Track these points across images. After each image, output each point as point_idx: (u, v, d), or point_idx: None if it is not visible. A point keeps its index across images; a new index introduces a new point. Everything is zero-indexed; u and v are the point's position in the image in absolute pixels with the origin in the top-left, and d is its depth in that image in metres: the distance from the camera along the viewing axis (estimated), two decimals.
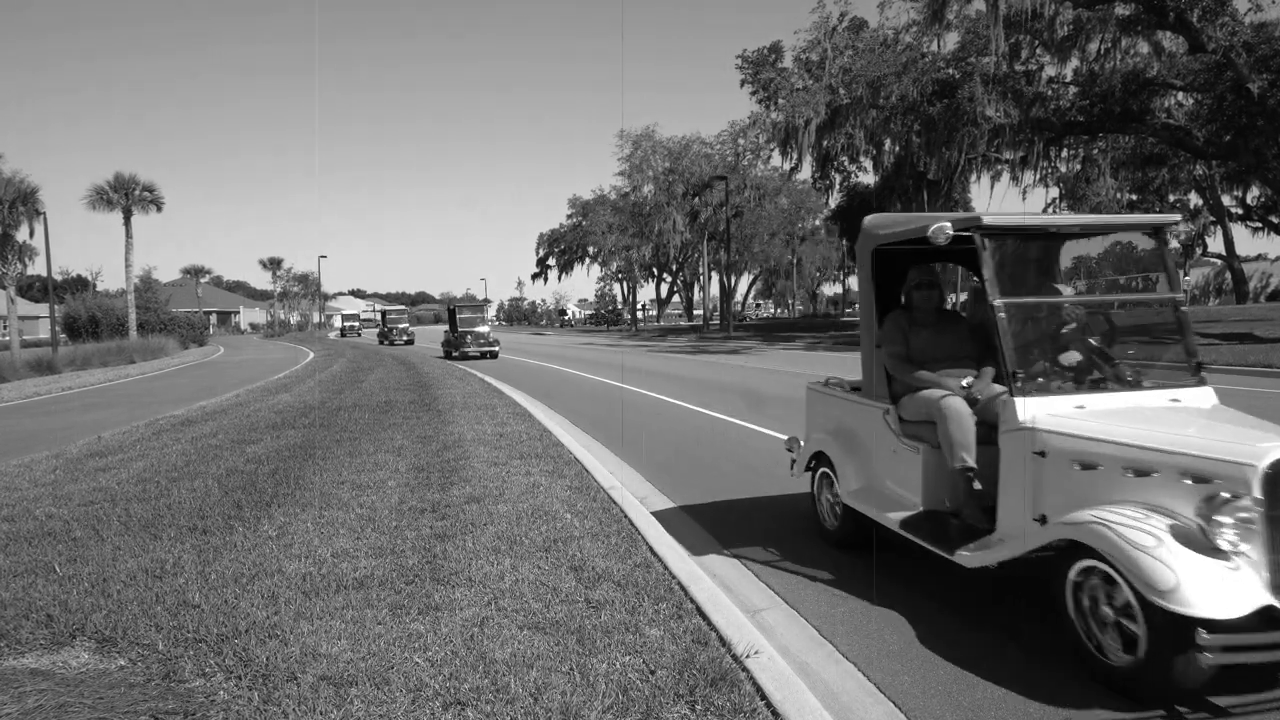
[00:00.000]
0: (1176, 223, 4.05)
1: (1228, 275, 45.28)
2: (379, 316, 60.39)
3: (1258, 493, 2.78)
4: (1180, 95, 25.28)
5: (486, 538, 4.79)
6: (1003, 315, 3.61)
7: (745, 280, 69.26)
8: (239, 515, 5.48)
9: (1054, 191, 40.09)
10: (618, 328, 66.80)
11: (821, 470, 5.07)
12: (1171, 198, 42.99)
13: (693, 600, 3.77)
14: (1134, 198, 41.86)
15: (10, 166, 44.58)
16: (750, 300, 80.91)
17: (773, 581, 4.41)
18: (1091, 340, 3.97)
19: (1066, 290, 4.24)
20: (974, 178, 31.23)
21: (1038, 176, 30.25)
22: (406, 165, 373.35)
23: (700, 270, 57.28)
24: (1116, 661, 2.98)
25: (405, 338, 44.91)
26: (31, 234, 36.70)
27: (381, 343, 45.38)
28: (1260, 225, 42.10)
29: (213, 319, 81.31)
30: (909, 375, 4.41)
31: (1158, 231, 4.04)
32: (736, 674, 3.00)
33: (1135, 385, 3.79)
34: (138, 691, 2.97)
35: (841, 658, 3.46)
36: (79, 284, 74.97)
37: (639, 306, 74.89)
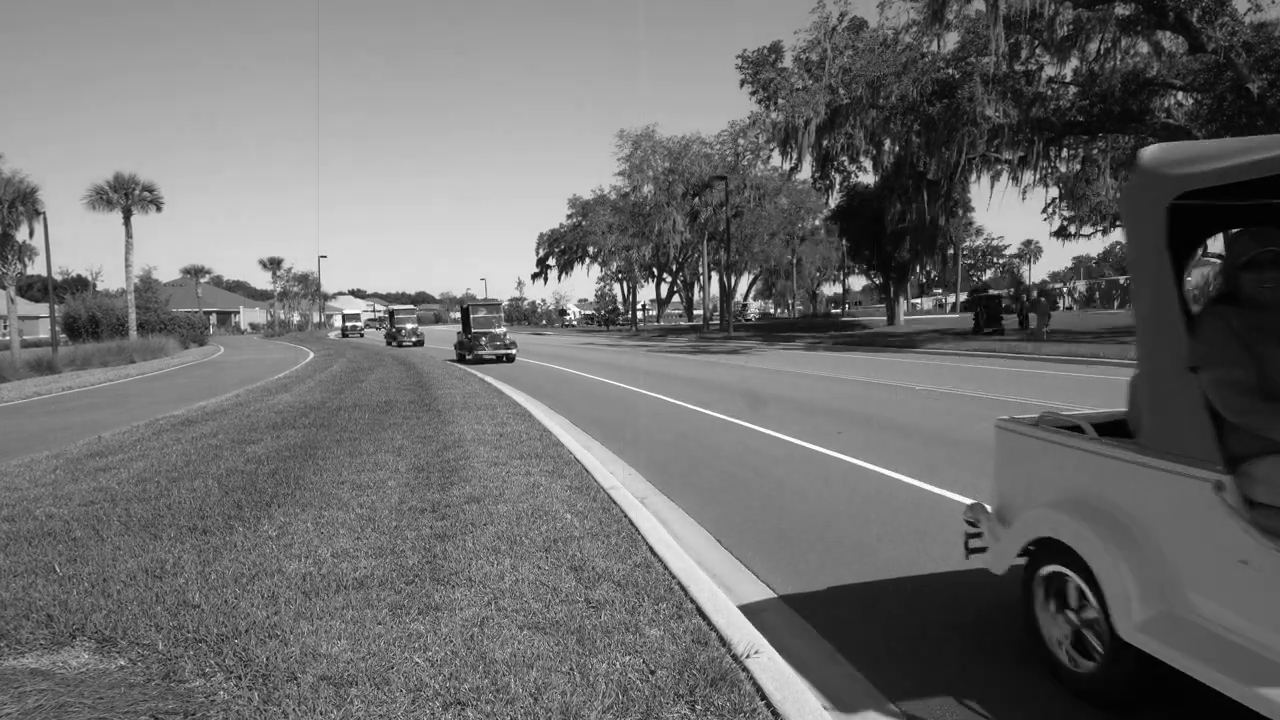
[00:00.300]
0: None
1: None
2: (386, 315, 55.20)
3: None
4: (1180, 95, 25.29)
5: (486, 538, 4.79)
6: None
7: (745, 280, 69.30)
8: (239, 515, 5.48)
9: (1054, 191, 40.06)
10: (618, 328, 66.81)
11: (1051, 569, 3.15)
12: None
13: (693, 600, 3.77)
14: None
15: (10, 166, 44.53)
16: (750, 300, 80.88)
17: (773, 581, 4.41)
18: None
19: None
20: (974, 178, 31.23)
21: (1037, 176, 30.26)
22: (407, 165, 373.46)
23: (700, 270, 57.30)
24: None
25: (415, 339, 42.83)
26: (31, 234, 36.74)
27: (389, 343, 43.30)
28: None
29: (213, 319, 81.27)
30: (1268, 421, 2.55)
31: None
32: (736, 674, 3.00)
33: None
34: (138, 691, 2.97)
35: (841, 658, 3.46)
36: (79, 284, 75.02)
37: (639, 306, 74.90)
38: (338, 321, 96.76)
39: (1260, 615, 2.38)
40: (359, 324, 78.61)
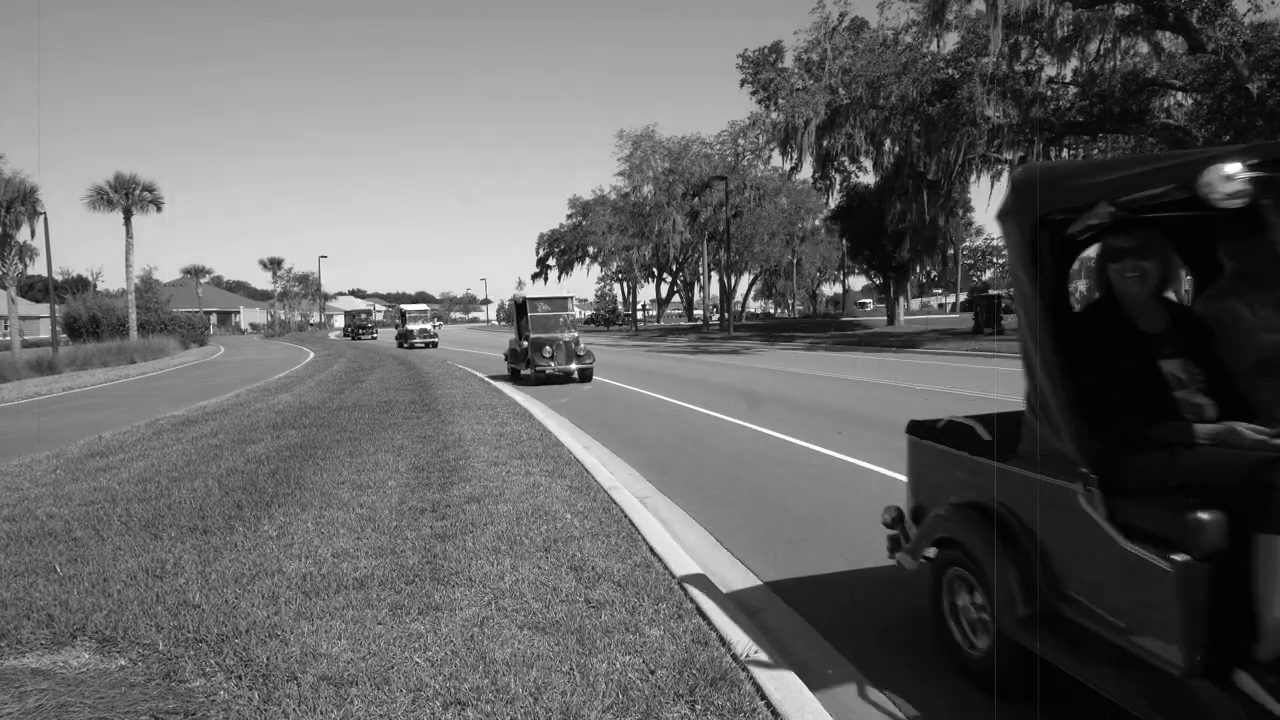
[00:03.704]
0: None
1: None
2: (398, 315, 47.18)
3: None
4: (1180, 95, 25.27)
5: (487, 538, 4.80)
6: None
7: (745, 280, 69.32)
8: (239, 515, 5.48)
9: None
10: (618, 327, 66.80)
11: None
12: None
13: (693, 600, 3.78)
14: None
15: (10, 166, 44.47)
16: (750, 299, 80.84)
17: (774, 581, 4.42)
18: None
19: None
20: (974, 178, 31.21)
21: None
22: (407, 165, 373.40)
23: (700, 270, 57.32)
24: None
25: (426, 339, 38.42)
26: (32, 234, 36.76)
27: (400, 345, 39.00)
28: None
29: (213, 319, 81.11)
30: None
31: None
32: (736, 674, 3.00)
33: None
34: (138, 691, 2.98)
35: (841, 657, 3.46)
36: (79, 284, 74.86)
37: (639, 306, 74.87)
38: (339, 322, 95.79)
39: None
40: (369, 324, 63.92)
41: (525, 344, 17.38)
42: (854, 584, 4.37)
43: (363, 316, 66.68)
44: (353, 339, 58.04)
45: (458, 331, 75.43)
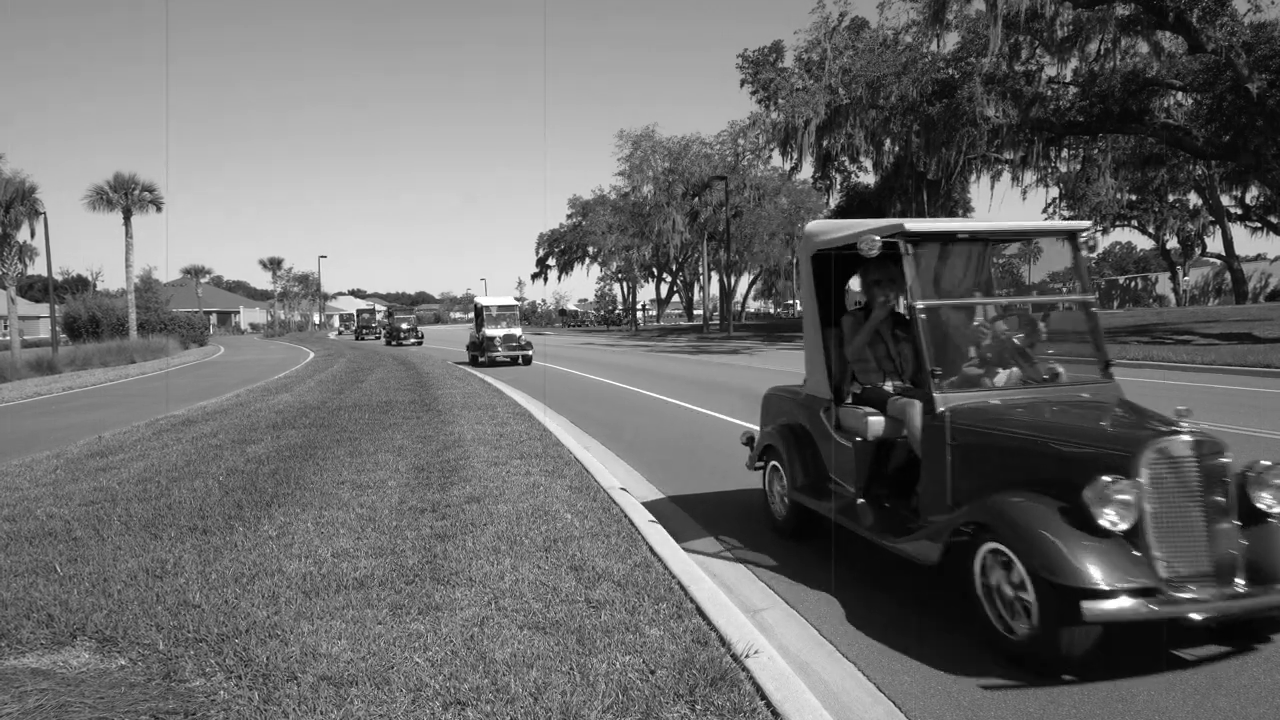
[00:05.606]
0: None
1: (1227, 275, 45.24)
2: (385, 314, 52.91)
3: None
4: (1180, 95, 25.27)
5: (487, 537, 4.80)
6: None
7: (745, 280, 69.28)
8: (239, 515, 5.48)
9: (1054, 191, 40.06)
10: (619, 327, 66.76)
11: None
12: (1171, 198, 42.99)
13: (693, 600, 3.78)
14: (1134, 198, 41.84)
15: (10, 166, 44.48)
16: (750, 299, 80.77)
17: (773, 581, 4.42)
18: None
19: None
20: (974, 178, 31.27)
21: (1037, 177, 30.21)
22: (407, 165, 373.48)
23: (700, 270, 57.29)
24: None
25: (414, 338, 42.95)
26: (32, 234, 36.71)
27: (389, 343, 43.31)
28: (1259, 225, 42.09)
29: (213, 319, 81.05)
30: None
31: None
32: (736, 673, 3.00)
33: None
34: (138, 691, 2.98)
35: (841, 657, 3.47)
36: (79, 284, 74.83)
37: (639, 306, 74.81)
38: (338, 322, 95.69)
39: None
40: (374, 324, 61.38)
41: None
42: (858, 584, 4.37)
43: (366, 316, 66.17)
44: (356, 338, 57.84)
45: (458, 331, 75.42)
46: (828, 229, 4.84)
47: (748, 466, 5.66)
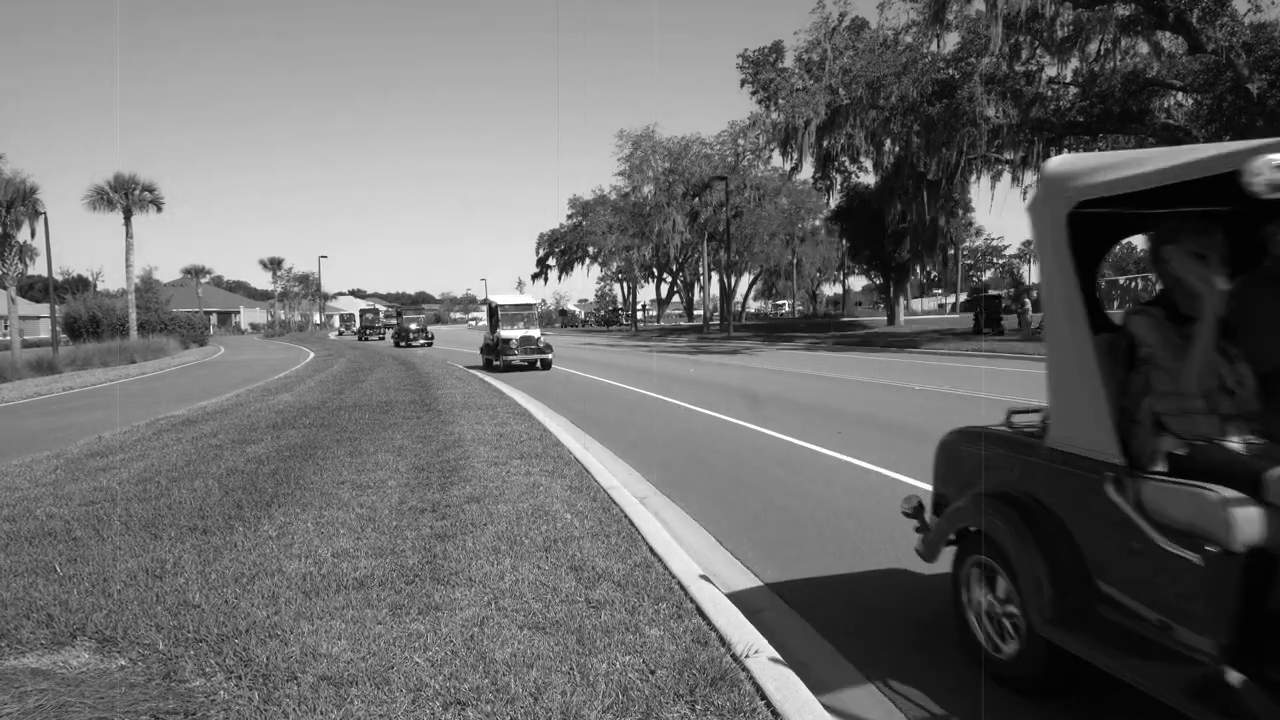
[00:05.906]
0: None
1: None
2: (395, 315, 50.70)
3: None
4: (1180, 96, 25.27)
5: (486, 537, 4.80)
6: None
7: (745, 280, 69.33)
8: (239, 515, 5.48)
9: None
10: (619, 328, 66.75)
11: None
12: None
13: (693, 600, 3.78)
14: None
15: (10, 166, 44.46)
16: (750, 299, 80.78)
17: (772, 581, 4.42)
18: None
19: None
20: (974, 178, 31.19)
21: (1038, 177, 30.09)
22: (407, 164, 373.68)
23: (700, 270, 57.30)
24: None
25: (423, 340, 41.64)
26: (32, 234, 36.71)
27: (397, 344, 41.80)
28: None
29: (213, 319, 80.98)
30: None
31: None
32: (736, 674, 3.00)
33: None
34: (138, 691, 2.98)
35: (841, 657, 3.46)
36: (80, 284, 74.79)
37: (639, 306, 74.80)
38: (338, 322, 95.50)
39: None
40: (378, 324, 59.70)
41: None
42: (856, 583, 4.37)
43: (369, 316, 63.98)
44: (359, 339, 56.25)
45: (458, 331, 75.39)
46: (1109, 163, 2.65)
47: (923, 556, 3.64)
